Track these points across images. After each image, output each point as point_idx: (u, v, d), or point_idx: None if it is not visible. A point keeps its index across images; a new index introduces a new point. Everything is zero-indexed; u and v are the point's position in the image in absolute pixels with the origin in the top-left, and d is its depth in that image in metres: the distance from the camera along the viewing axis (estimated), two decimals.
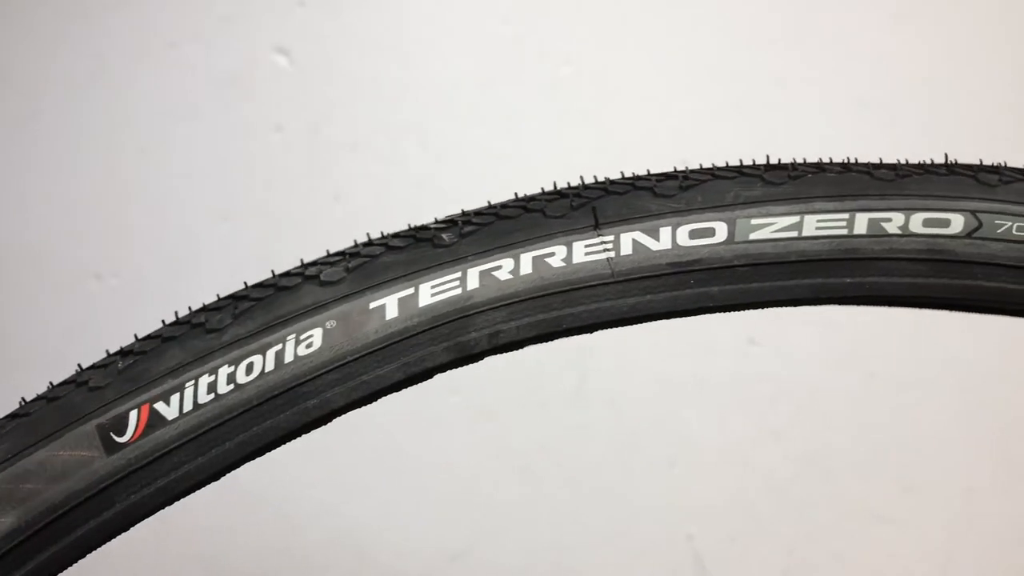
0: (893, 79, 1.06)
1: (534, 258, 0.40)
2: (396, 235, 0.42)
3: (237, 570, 1.13)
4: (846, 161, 0.42)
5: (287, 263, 0.44)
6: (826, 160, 0.43)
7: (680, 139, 1.07)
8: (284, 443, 0.40)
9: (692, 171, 0.42)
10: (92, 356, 0.43)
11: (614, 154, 1.08)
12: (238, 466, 0.40)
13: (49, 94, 1.16)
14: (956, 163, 0.42)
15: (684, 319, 0.42)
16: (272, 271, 0.43)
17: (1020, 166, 0.42)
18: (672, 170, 0.43)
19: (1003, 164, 0.42)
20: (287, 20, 1.12)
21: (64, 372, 0.43)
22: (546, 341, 0.41)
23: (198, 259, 1.12)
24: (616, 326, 0.40)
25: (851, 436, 1.08)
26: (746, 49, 1.07)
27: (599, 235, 0.40)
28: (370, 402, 0.41)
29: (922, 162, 0.42)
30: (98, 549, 0.45)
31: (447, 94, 1.11)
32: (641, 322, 0.40)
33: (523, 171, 1.08)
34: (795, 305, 0.40)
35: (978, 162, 0.42)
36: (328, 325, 0.40)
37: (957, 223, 0.39)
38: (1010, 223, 0.39)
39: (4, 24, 1.16)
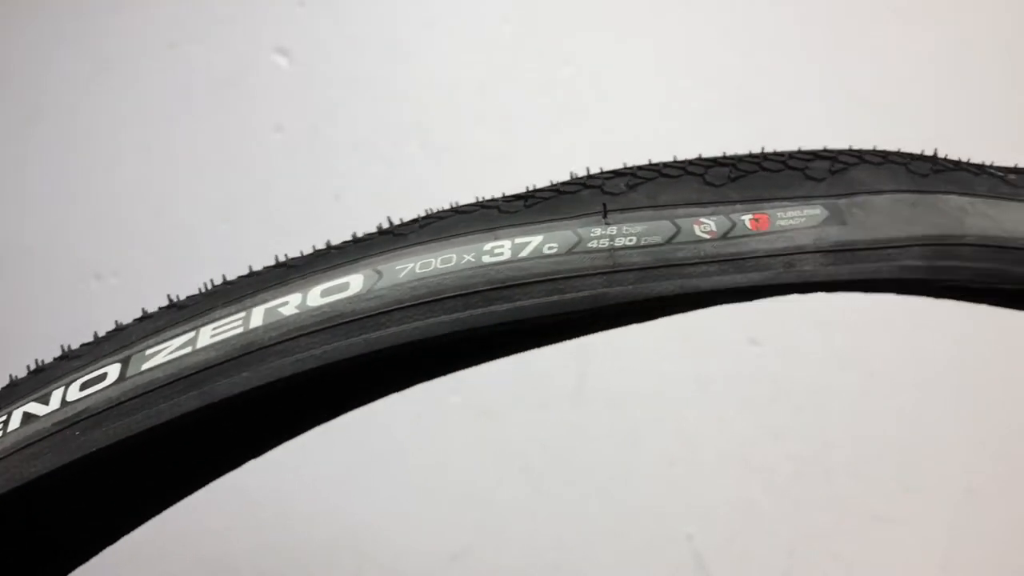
0: (893, 77, 1.06)
1: None
2: None
3: (237, 570, 1.13)
4: (279, 261, 0.41)
5: None
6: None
7: (680, 139, 1.06)
8: None
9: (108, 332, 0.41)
10: None
11: (613, 155, 1.08)
12: None
13: (49, 94, 1.16)
14: (399, 223, 0.41)
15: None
16: None
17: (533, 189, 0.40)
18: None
19: (451, 204, 0.41)
20: (287, 20, 1.12)
21: None
22: None
23: (198, 259, 1.12)
24: None
25: (851, 436, 1.08)
26: (746, 48, 1.07)
27: None
28: None
29: (382, 227, 0.41)
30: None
31: (447, 94, 1.11)
32: (28, 493, 0.38)
33: (522, 171, 1.08)
34: (200, 416, 0.39)
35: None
36: None
37: (357, 283, 0.39)
38: (412, 264, 0.38)
39: (4, 24, 1.16)
